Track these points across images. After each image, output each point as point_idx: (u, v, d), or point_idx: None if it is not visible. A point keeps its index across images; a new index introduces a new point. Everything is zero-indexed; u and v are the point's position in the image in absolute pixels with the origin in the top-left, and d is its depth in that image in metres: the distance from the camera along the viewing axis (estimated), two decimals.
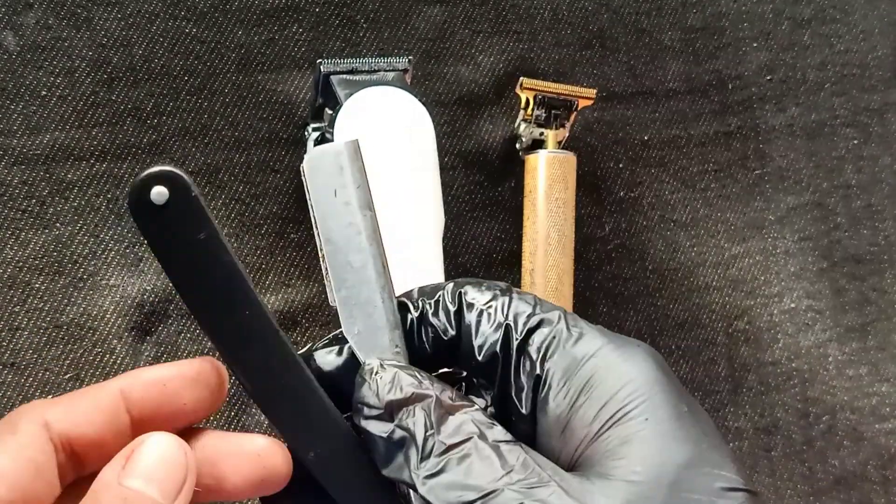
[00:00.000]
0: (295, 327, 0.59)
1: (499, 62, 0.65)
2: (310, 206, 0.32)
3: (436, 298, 0.32)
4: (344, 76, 0.56)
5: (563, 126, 0.63)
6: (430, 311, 0.32)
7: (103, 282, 0.55)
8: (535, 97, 0.62)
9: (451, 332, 0.32)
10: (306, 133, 0.59)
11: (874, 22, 0.74)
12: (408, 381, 0.30)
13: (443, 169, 0.58)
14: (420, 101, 0.56)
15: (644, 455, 0.27)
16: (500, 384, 0.31)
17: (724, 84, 0.70)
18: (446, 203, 0.58)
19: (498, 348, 0.31)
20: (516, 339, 0.31)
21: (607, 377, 0.29)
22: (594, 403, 0.29)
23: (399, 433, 0.29)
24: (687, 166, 0.69)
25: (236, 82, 0.58)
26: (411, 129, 0.55)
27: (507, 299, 0.31)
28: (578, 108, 0.63)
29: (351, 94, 0.55)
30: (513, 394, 0.31)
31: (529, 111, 0.62)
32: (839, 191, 0.72)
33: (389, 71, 0.57)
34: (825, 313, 0.70)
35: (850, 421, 0.70)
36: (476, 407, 0.29)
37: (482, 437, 0.28)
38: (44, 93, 0.55)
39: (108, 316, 0.55)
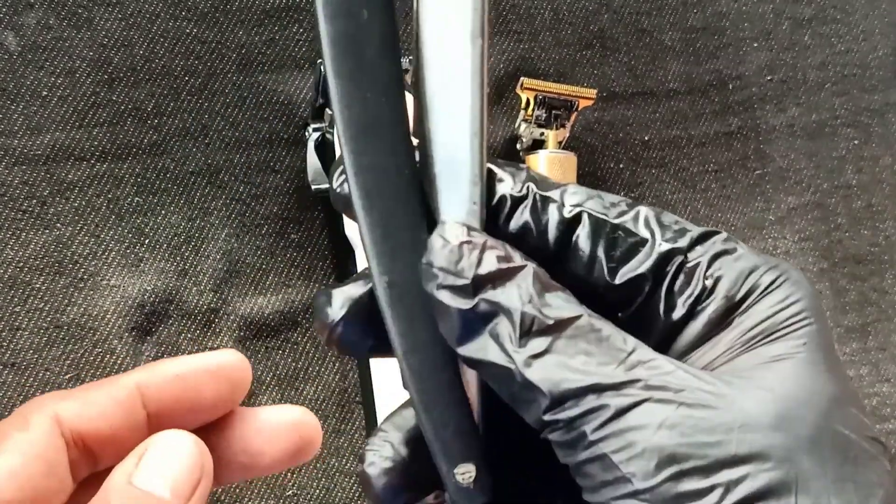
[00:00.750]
0: (295, 328, 0.59)
1: (499, 62, 0.65)
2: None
3: (549, 193, 0.28)
4: None
5: (563, 126, 0.63)
6: (538, 204, 0.27)
7: (104, 282, 0.55)
8: (535, 97, 0.62)
9: (552, 241, 0.27)
10: (307, 133, 0.59)
11: (875, 22, 0.74)
12: (497, 253, 0.26)
13: None
14: None
15: (798, 374, 0.25)
16: (643, 299, 0.27)
17: (724, 84, 0.70)
18: None
19: (650, 265, 0.27)
20: (683, 248, 0.27)
21: (770, 294, 0.27)
22: (753, 317, 0.26)
23: (485, 306, 0.25)
24: (687, 167, 0.69)
25: (237, 82, 0.58)
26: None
27: (647, 212, 0.28)
28: (579, 109, 0.63)
29: None
30: (660, 304, 0.27)
31: (530, 111, 0.62)
32: (840, 191, 0.72)
33: None
34: (826, 314, 0.70)
35: None
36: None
37: (592, 316, 0.25)
38: (44, 93, 0.55)
39: (108, 316, 0.55)
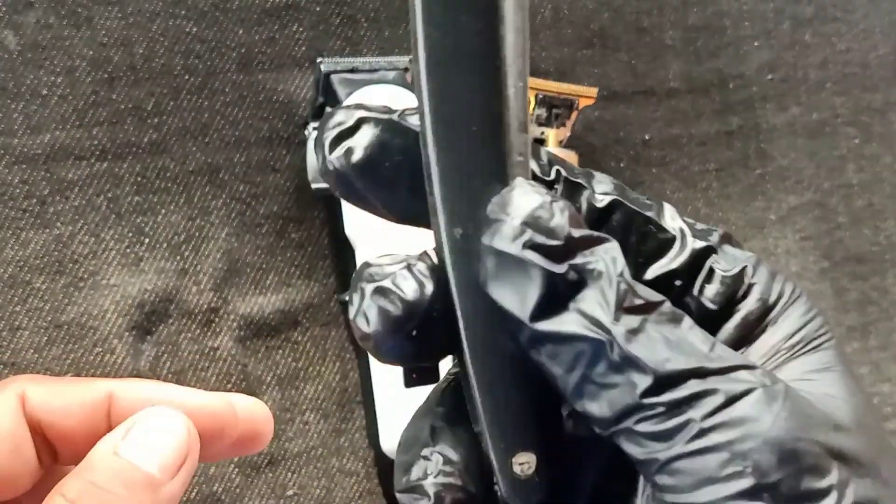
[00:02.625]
0: (295, 327, 0.59)
1: None
2: None
3: (578, 179, 0.26)
4: (344, 75, 0.56)
5: (564, 125, 0.63)
6: (567, 191, 0.26)
7: (104, 281, 0.55)
8: (536, 96, 0.62)
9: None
10: (307, 132, 0.59)
11: (876, 21, 0.74)
12: (579, 219, 0.23)
13: None
14: None
15: (847, 385, 0.25)
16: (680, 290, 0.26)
17: (725, 83, 0.70)
18: None
19: (682, 261, 0.26)
20: (714, 247, 0.27)
21: (796, 303, 0.26)
22: (789, 324, 0.26)
23: (573, 275, 0.23)
24: (688, 165, 0.69)
25: (237, 81, 0.58)
26: None
27: (671, 208, 0.27)
28: (579, 108, 0.63)
29: (351, 94, 0.55)
30: (692, 302, 0.26)
31: (530, 110, 0.62)
32: (841, 190, 0.72)
33: (390, 70, 0.57)
34: (826, 313, 0.70)
35: None
36: None
37: (672, 305, 0.24)
38: (44, 92, 0.55)
39: (108, 315, 0.55)
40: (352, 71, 0.56)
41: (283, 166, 0.59)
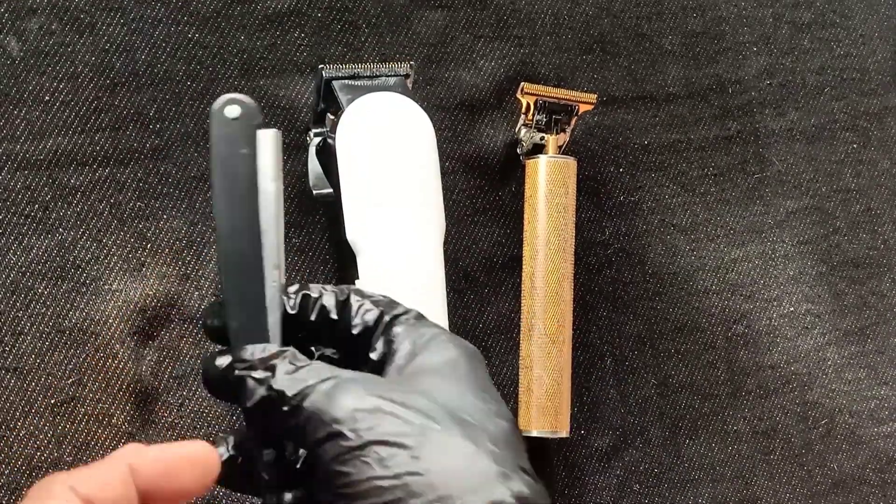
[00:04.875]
0: None
1: (500, 67, 0.65)
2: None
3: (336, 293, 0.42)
4: (345, 81, 0.56)
5: (563, 131, 0.63)
6: (327, 298, 0.42)
7: (106, 286, 0.55)
8: (535, 102, 0.62)
9: (334, 316, 0.41)
10: (308, 138, 0.59)
11: (874, 26, 0.74)
12: (271, 349, 0.39)
13: (444, 173, 0.58)
14: (421, 105, 0.56)
15: (435, 384, 0.38)
16: (359, 349, 0.41)
17: (723, 88, 0.70)
18: (447, 207, 0.58)
19: (370, 324, 0.41)
20: (385, 321, 0.41)
21: (433, 351, 0.40)
22: (424, 360, 0.39)
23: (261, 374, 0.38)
24: (687, 170, 0.69)
25: (238, 87, 0.59)
26: (412, 135, 0.56)
27: (375, 300, 0.42)
28: (579, 113, 0.63)
29: (352, 100, 0.55)
30: (371, 353, 0.41)
31: (530, 116, 0.62)
32: (838, 195, 0.72)
33: (391, 76, 0.57)
34: (824, 317, 0.71)
35: (849, 424, 0.70)
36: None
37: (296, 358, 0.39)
38: (47, 98, 0.55)
39: (110, 321, 0.55)
40: (353, 77, 0.57)
41: (284, 172, 0.59)
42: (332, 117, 0.57)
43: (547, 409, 0.61)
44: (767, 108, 0.71)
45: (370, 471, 0.34)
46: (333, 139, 0.55)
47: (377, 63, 0.58)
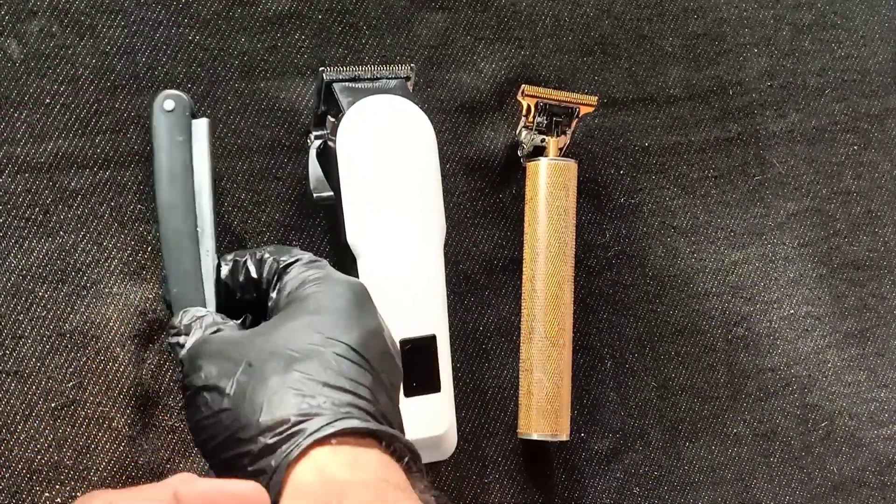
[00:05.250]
0: None
1: (500, 69, 0.65)
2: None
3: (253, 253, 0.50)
4: (346, 84, 0.56)
5: (564, 133, 0.63)
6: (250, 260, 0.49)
7: (106, 290, 0.55)
8: (536, 104, 0.62)
9: (254, 274, 0.49)
10: (309, 140, 0.59)
11: (875, 27, 0.74)
12: (195, 313, 0.47)
13: (444, 176, 0.58)
14: (422, 108, 0.56)
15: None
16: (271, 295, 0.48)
17: (724, 90, 0.70)
18: (448, 209, 0.58)
19: (272, 275, 0.48)
20: (277, 270, 0.48)
21: (304, 294, 0.45)
22: (295, 304, 0.45)
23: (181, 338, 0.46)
24: (687, 172, 0.69)
25: (239, 90, 0.58)
26: (413, 138, 0.56)
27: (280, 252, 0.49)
28: (580, 115, 0.63)
29: (353, 102, 0.55)
30: (269, 303, 0.48)
31: (531, 118, 0.62)
32: (839, 197, 0.72)
33: (392, 79, 0.57)
34: (824, 319, 0.71)
35: (849, 427, 0.70)
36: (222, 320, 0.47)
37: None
38: (47, 101, 0.55)
39: (111, 324, 0.55)
40: (353, 79, 0.56)
41: (284, 174, 0.59)
42: (332, 120, 0.57)
43: (547, 413, 0.61)
44: (768, 110, 0.71)
45: (198, 413, 0.41)
46: (334, 142, 0.55)
47: (378, 65, 0.58)
